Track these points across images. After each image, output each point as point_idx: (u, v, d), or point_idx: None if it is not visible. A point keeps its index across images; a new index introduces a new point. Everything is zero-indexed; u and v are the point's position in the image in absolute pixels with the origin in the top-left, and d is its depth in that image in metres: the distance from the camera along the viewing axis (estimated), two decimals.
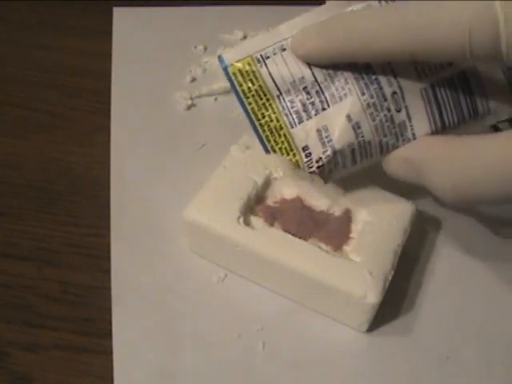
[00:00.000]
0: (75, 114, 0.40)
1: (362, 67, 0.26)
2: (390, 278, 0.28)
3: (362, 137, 0.27)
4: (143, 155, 0.36)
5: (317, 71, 0.27)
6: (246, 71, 0.27)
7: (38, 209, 0.34)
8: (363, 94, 0.26)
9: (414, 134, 0.27)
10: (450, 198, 0.25)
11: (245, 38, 0.46)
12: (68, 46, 0.45)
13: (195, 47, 0.45)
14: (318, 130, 0.27)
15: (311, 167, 0.28)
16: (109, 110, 0.39)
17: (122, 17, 0.47)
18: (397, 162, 0.27)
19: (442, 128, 0.27)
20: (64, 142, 0.38)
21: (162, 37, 0.46)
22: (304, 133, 0.27)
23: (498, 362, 0.28)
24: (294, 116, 0.27)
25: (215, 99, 0.41)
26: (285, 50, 0.27)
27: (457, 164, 0.24)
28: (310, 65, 0.27)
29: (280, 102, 0.27)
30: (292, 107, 0.27)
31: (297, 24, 0.27)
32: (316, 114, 0.27)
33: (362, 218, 0.30)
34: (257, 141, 0.28)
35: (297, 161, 0.28)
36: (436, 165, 0.25)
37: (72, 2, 0.48)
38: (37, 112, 0.40)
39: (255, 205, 0.30)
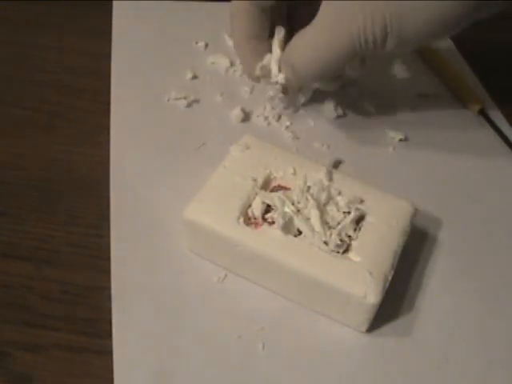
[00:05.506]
0: (75, 114, 0.40)
1: None
2: (389, 278, 0.28)
3: None
4: (143, 155, 0.36)
5: None
6: None
7: (38, 209, 0.34)
8: None
9: None
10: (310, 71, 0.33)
11: None
12: (68, 45, 0.45)
13: (196, 43, 0.45)
14: None
15: None
16: (109, 110, 0.39)
17: (121, 10, 0.47)
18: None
19: None
20: (64, 142, 0.38)
21: (163, 31, 0.46)
22: None
23: (498, 362, 0.28)
24: None
25: (216, 98, 0.41)
26: None
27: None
28: None
29: None
30: None
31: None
32: None
33: (362, 218, 0.30)
34: (256, 141, 0.28)
35: None
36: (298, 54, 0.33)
37: (72, 1, 0.49)
38: (37, 112, 0.40)
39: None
